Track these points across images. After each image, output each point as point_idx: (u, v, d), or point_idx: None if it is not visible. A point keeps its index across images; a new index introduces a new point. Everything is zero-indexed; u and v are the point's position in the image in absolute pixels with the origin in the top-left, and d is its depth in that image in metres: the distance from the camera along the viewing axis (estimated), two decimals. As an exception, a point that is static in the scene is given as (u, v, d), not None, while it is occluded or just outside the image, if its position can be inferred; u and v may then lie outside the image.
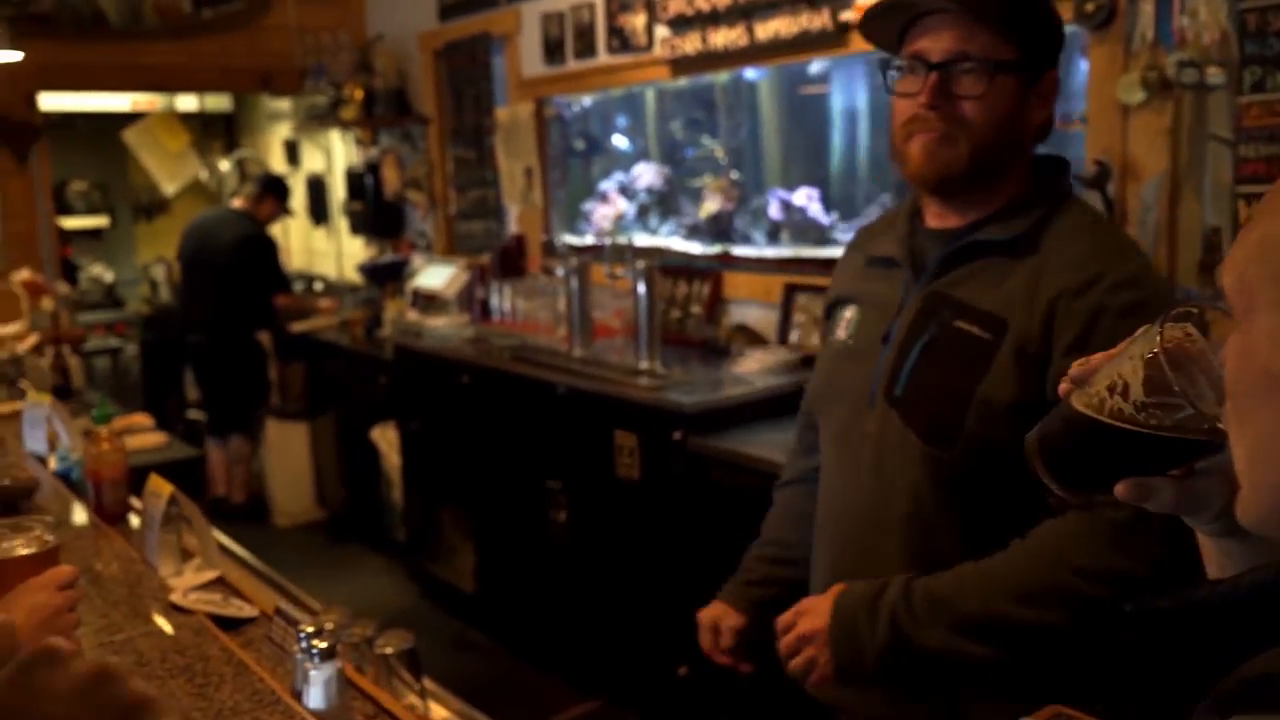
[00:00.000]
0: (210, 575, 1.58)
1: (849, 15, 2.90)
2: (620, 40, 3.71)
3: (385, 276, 4.77)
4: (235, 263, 4.77)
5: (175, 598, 1.47)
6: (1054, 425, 0.78)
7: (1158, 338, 0.70)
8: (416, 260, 4.75)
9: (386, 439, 4.15)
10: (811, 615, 1.31)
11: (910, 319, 1.32)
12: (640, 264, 3.08)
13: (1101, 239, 1.28)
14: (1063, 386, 0.78)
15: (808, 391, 1.58)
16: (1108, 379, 0.73)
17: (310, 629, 1.19)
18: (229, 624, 1.42)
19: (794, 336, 3.09)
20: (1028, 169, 1.34)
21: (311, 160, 5.95)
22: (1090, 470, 0.76)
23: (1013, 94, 1.27)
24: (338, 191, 5.62)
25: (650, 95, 4.05)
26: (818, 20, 2.96)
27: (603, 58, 3.81)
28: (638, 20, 3.63)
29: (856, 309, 1.43)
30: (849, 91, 3.40)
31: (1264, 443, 0.60)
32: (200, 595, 1.47)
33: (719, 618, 1.59)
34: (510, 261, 4.21)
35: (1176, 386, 0.68)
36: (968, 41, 1.26)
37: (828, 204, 3.33)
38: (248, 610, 1.46)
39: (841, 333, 1.43)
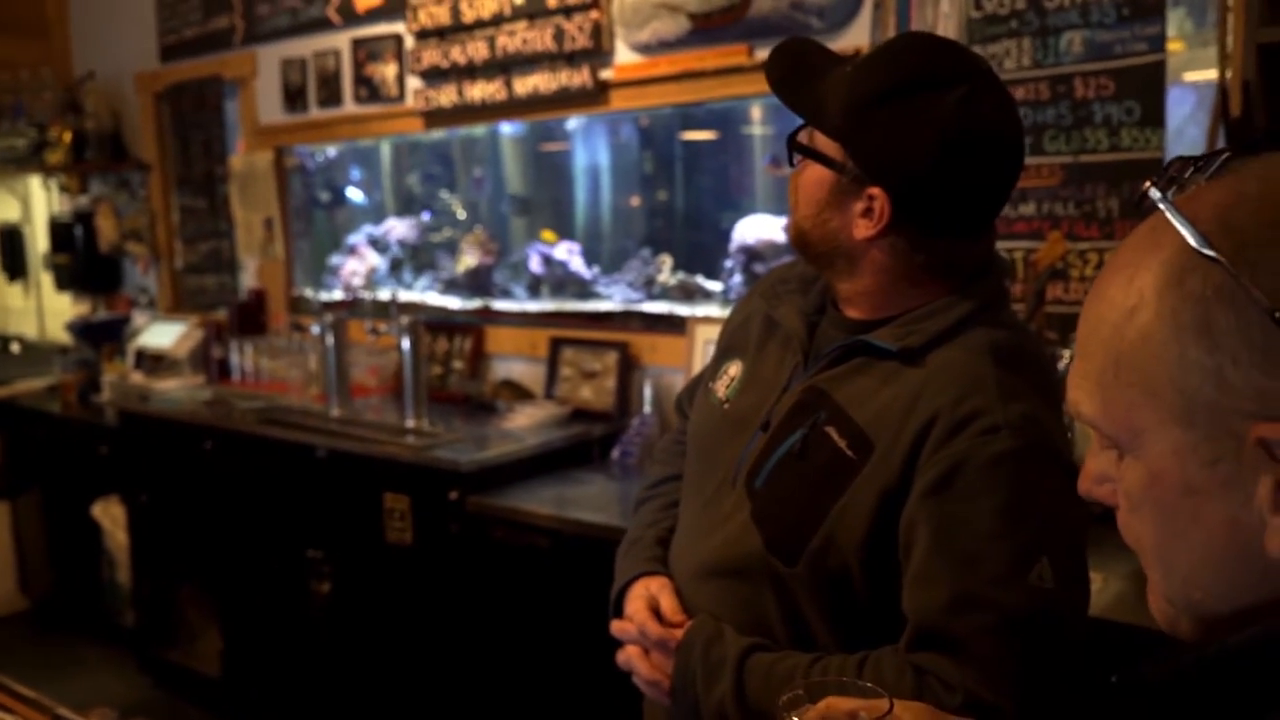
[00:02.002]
0: (-47, 686, 1.35)
1: (608, 74, 2.97)
2: (369, 90, 3.61)
3: (101, 336, 4.34)
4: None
5: (-84, 716, 1.25)
6: None
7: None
8: (139, 318, 4.36)
9: (110, 515, 3.76)
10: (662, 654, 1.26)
11: (786, 410, 1.24)
12: (405, 319, 2.99)
13: (995, 369, 1.14)
14: None
15: (690, 426, 1.43)
16: None
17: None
18: (-11, 741, 1.22)
19: (561, 390, 3.09)
20: (913, 286, 1.21)
21: (4, 208, 5.36)
22: None
23: (825, 189, 1.20)
24: (38, 243, 5.08)
25: (386, 148, 3.96)
26: (577, 78, 3.01)
27: (350, 107, 3.69)
28: (388, 70, 3.55)
29: (742, 371, 1.35)
30: (592, 149, 3.47)
31: (1198, 554, 0.62)
32: (-52, 711, 1.26)
33: (655, 591, 1.30)
34: (250, 318, 3.96)
35: None
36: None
37: (588, 258, 3.38)
38: (10, 723, 1.26)
39: (721, 389, 1.36)
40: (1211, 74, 2.09)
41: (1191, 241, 0.58)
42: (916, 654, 1.10)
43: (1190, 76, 2.15)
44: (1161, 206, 0.61)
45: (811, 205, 1.22)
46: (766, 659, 1.19)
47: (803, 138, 1.24)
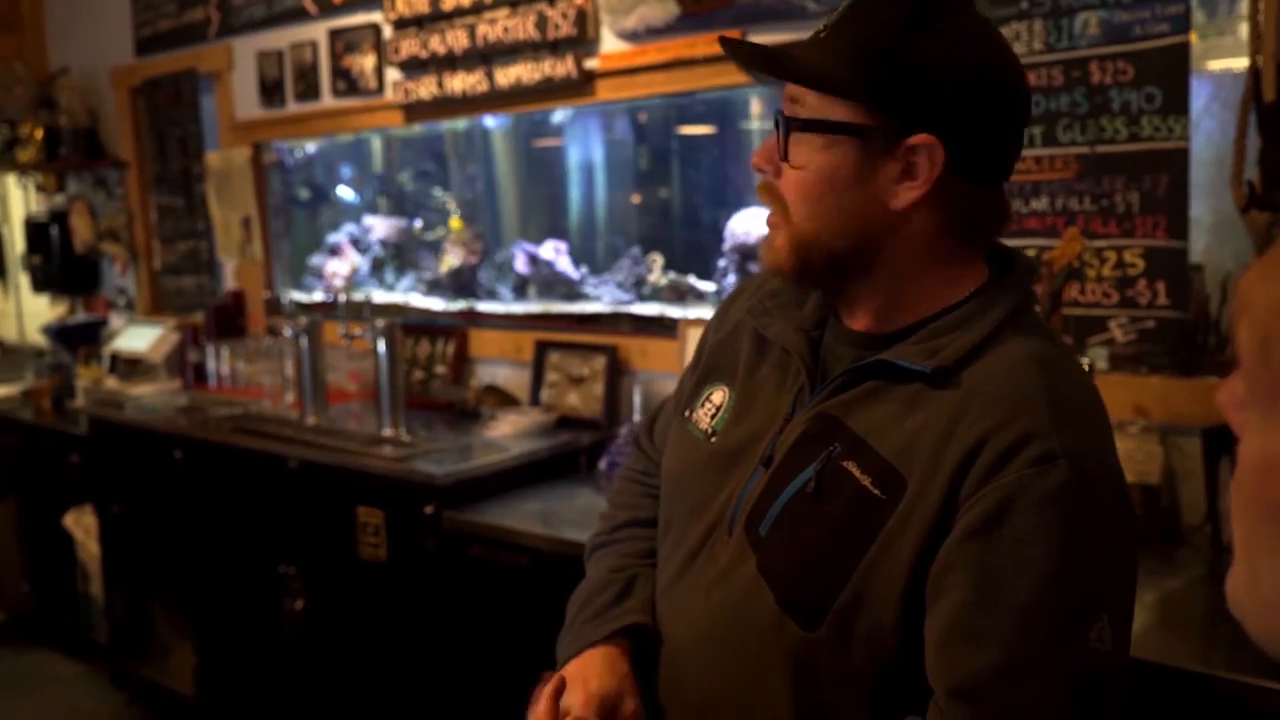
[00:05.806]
0: None
1: (593, 63, 2.82)
2: (347, 82, 3.46)
3: (77, 339, 4.20)
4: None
5: None
6: None
7: None
8: (115, 320, 4.22)
9: (82, 525, 3.62)
10: None
11: (792, 442, 1.06)
12: (380, 322, 2.84)
13: (1043, 385, 0.97)
14: None
15: (666, 463, 1.23)
16: None
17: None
18: None
19: (548, 396, 2.94)
20: (943, 268, 1.05)
21: (-17, 208, 5.23)
22: None
23: (846, 165, 1.00)
24: (17, 244, 4.94)
25: (377, 144, 3.81)
26: (561, 67, 2.85)
27: (328, 100, 3.54)
28: (366, 62, 3.40)
29: (729, 398, 1.16)
30: (585, 144, 3.32)
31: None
32: None
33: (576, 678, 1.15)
34: (227, 320, 3.81)
35: None
36: (797, 92, 1.03)
37: (575, 257, 3.22)
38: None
39: (705, 420, 1.17)
40: (1230, 63, 1.96)
41: None
42: None
43: (1208, 66, 2.00)
44: None
45: (823, 195, 1.01)
46: None
47: (798, 108, 1.03)
